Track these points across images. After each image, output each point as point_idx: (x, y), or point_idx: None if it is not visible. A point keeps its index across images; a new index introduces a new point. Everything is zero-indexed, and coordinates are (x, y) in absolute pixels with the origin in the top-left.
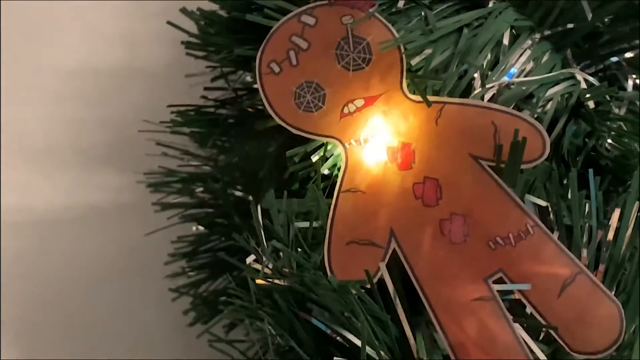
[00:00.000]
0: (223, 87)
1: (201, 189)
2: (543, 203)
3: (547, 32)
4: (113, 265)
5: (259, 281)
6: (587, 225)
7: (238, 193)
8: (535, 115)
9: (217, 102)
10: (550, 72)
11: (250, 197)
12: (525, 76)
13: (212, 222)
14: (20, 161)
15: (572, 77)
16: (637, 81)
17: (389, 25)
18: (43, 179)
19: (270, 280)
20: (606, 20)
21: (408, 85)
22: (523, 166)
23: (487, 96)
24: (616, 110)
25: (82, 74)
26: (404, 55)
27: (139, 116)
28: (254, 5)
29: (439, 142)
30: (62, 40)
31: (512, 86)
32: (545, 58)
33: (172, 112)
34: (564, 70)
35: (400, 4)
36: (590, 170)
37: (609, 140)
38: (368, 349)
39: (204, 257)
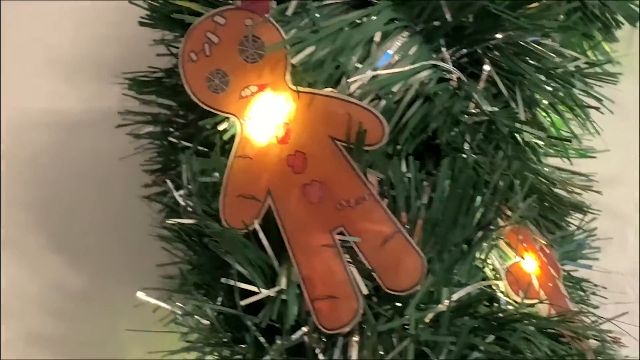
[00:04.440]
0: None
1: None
2: (380, 176)
3: (420, 27)
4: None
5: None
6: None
7: (175, 140)
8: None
9: (162, 70)
10: (415, 63)
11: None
12: (392, 68)
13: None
14: (49, 71)
15: (434, 66)
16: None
17: (279, 28)
18: (67, 87)
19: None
20: (469, 17)
21: (291, 77)
22: (366, 148)
23: (355, 86)
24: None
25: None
26: (288, 54)
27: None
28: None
29: (309, 124)
30: None
31: (377, 78)
32: (413, 50)
33: (125, 78)
34: (424, 63)
35: (289, 11)
36: (411, 158)
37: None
38: (243, 270)
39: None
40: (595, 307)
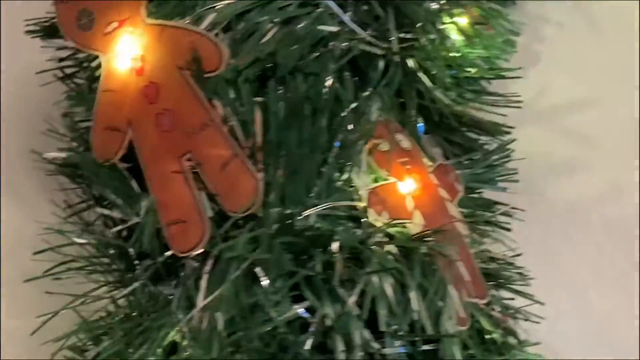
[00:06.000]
0: None
1: None
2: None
3: None
4: None
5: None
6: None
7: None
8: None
9: None
10: None
11: None
12: None
13: None
14: None
15: None
16: None
17: None
18: None
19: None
20: None
21: (146, 11)
22: (207, 75)
23: (209, 14)
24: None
25: None
26: None
27: None
28: None
29: (160, 55)
30: None
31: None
32: None
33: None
34: None
35: None
36: (243, 83)
37: None
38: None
39: None
40: (507, 229)
